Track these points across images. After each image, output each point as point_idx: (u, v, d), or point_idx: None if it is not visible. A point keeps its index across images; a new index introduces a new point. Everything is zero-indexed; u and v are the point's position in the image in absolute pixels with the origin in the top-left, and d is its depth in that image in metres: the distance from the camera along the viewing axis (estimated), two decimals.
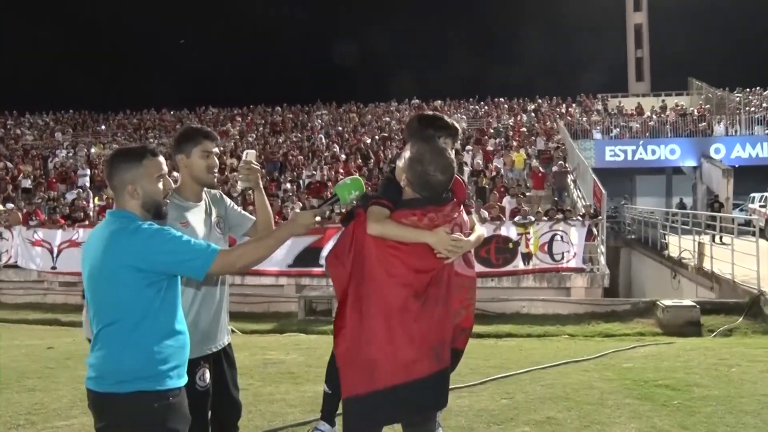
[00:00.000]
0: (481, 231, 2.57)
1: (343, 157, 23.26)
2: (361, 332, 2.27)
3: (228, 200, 2.93)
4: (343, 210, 2.62)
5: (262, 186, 2.86)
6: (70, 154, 26.57)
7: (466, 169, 20.72)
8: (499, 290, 13.08)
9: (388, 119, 31.03)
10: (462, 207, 2.50)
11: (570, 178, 19.29)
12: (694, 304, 9.39)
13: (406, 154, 2.34)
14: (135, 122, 33.69)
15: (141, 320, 2.11)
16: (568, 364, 6.21)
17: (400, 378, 2.24)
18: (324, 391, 2.92)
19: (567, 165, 20.06)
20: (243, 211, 2.99)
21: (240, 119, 32.30)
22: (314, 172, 21.16)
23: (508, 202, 16.37)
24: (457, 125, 2.83)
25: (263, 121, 31.79)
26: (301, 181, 20.37)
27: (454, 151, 2.51)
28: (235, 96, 36.96)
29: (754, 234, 14.07)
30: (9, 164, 24.58)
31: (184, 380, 2.20)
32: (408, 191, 2.37)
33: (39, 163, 24.99)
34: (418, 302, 2.27)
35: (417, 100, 34.93)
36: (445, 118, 2.80)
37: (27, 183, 22.08)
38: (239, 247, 2.24)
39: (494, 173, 20.10)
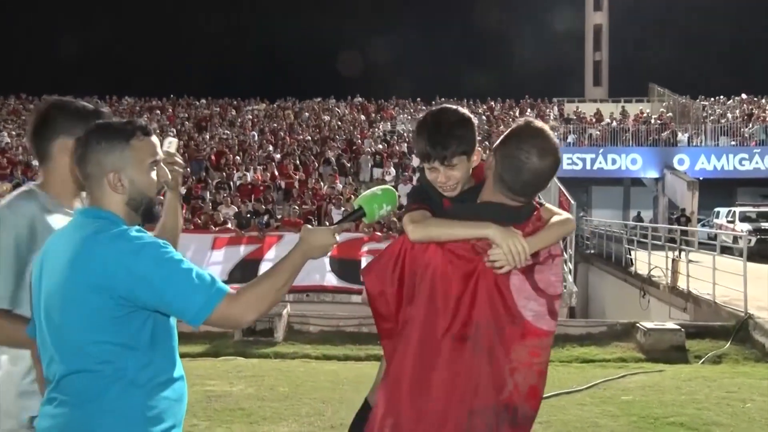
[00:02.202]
0: (566, 221, 1.95)
1: (278, 156, 22.70)
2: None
3: None
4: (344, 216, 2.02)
5: (180, 185, 2.36)
6: None
7: (413, 176, 20.62)
8: None
9: (327, 118, 30.65)
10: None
11: None
12: (678, 327, 9.38)
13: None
14: (31, 108, 31.95)
15: (123, 365, 1.65)
16: (560, 395, 5.99)
17: None
18: None
19: None
20: None
21: (160, 112, 31.15)
22: (246, 173, 20.49)
23: None
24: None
25: (187, 115, 30.76)
26: (231, 183, 19.66)
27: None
28: (154, 86, 35.75)
29: (721, 251, 14.59)
30: None
31: None
32: (487, 190, 1.93)
33: None
34: (466, 345, 1.81)
35: (360, 99, 34.73)
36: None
37: None
38: (249, 290, 1.72)
39: None
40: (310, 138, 25.64)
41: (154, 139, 1.83)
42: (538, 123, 1.90)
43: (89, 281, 1.62)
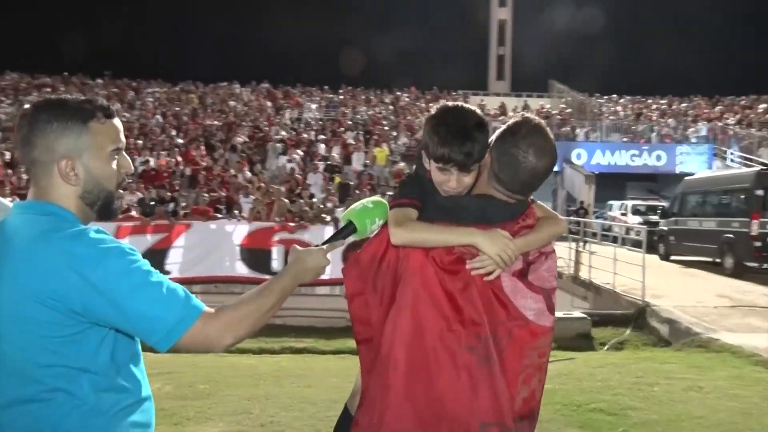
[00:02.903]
0: (557, 221, 1.95)
1: (180, 141, 21.90)
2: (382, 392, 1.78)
3: None
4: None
5: None
6: None
7: (321, 164, 20.49)
8: None
9: (233, 103, 29.89)
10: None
11: None
12: (584, 315, 9.85)
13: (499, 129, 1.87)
14: None
15: (80, 392, 1.40)
16: None
17: None
18: None
19: None
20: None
21: (51, 90, 29.29)
22: (149, 159, 19.64)
23: None
24: None
25: (80, 95, 29.05)
26: (133, 168, 18.78)
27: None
28: (42, 61, 33.47)
29: (614, 241, 15.44)
30: None
31: None
32: (481, 185, 1.87)
33: None
34: (467, 354, 1.74)
35: (267, 84, 34.10)
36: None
37: None
38: (230, 310, 1.48)
39: (362, 169, 20.12)
40: (217, 123, 24.87)
41: (117, 122, 1.57)
42: (536, 119, 1.87)
43: (35, 292, 1.35)
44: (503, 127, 1.88)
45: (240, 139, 22.71)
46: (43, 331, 1.37)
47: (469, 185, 1.86)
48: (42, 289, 1.35)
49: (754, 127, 28.62)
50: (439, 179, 1.86)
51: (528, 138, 1.80)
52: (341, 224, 1.80)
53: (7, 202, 2.14)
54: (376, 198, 1.84)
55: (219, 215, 13.90)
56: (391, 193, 17.28)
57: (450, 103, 1.89)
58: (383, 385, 1.77)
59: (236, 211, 14.10)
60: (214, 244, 13.06)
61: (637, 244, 14.70)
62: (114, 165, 1.55)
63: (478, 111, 1.88)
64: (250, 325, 1.49)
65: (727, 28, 50.46)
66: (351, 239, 1.80)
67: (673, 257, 16.44)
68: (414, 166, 2.05)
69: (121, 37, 48.44)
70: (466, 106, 1.90)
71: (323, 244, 1.74)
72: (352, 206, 1.81)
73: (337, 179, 19.24)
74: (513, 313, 1.80)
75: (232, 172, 17.98)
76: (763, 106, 32.33)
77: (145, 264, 1.43)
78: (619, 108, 32.49)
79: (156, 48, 46.89)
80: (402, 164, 20.79)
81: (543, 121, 1.88)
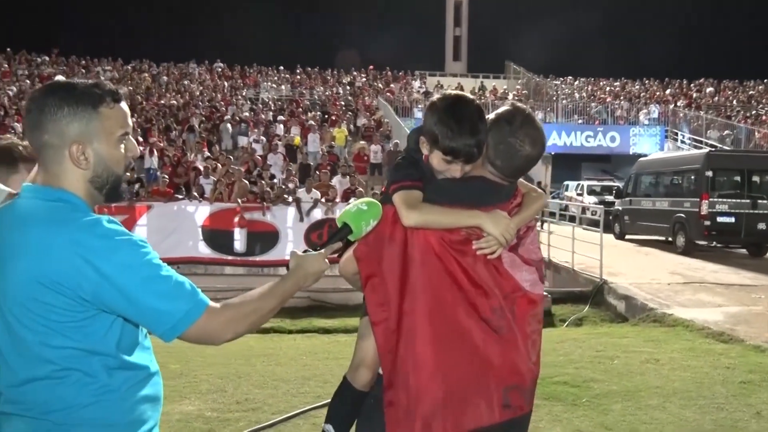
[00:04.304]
0: (540, 195, 2.10)
1: (134, 121, 21.47)
2: (405, 363, 1.89)
3: None
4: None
5: None
6: None
7: (280, 144, 20.40)
8: (338, 279, 12.98)
9: (187, 82, 29.41)
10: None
11: None
12: (545, 293, 10.13)
13: (490, 116, 1.98)
14: None
15: (91, 371, 1.46)
16: None
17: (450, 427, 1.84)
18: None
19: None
20: None
21: None
22: None
23: (339, 182, 16.32)
24: None
25: (27, 73, 28.20)
26: None
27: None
28: None
29: (571, 221, 15.85)
30: None
31: None
32: (476, 169, 1.95)
33: None
34: (486, 324, 1.88)
35: (221, 64, 33.60)
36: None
37: None
38: (233, 306, 1.54)
39: (327, 150, 20.08)
40: (174, 103, 24.42)
41: (125, 106, 1.58)
42: (527, 109, 2.01)
43: (47, 278, 1.39)
44: (495, 115, 1.99)
45: (197, 120, 22.40)
46: (52, 315, 1.41)
47: (468, 172, 1.95)
48: (53, 276, 1.39)
49: (702, 110, 29.57)
50: (442, 168, 1.93)
51: (524, 127, 1.93)
52: (337, 226, 1.85)
53: (3, 186, 2.15)
54: (369, 199, 1.90)
55: (180, 196, 13.77)
56: (366, 180, 17.21)
57: (454, 92, 1.97)
58: (413, 361, 1.86)
59: (195, 193, 13.97)
60: (176, 225, 12.99)
61: (593, 224, 15.12)
62: (122, 149, 1.57)
63: (476, 100, 1.97)
64: (250, 324, 1.55)
65: (680, 13, 51.74)
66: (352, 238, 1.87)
67: (627, 236, 16.93)
68: (406, 148, 2.13)
69: (72, 13, 46.94)
70: (468, 96, 1.99)
71: (320, 248, 1.76)
72: (347, 208, 1.86)
73: (300, 156, 19.23)
74: (515, 285, 1.94)
75: (190, 154, 17.75)
76: (710, 89, 33.40)
77: (155, 257, 1.47)
78: (573, 90, 33.10)
79: (107, 26, 45.63)
80: (363, 143, 20.84)
81: (530, 110, 2.03)
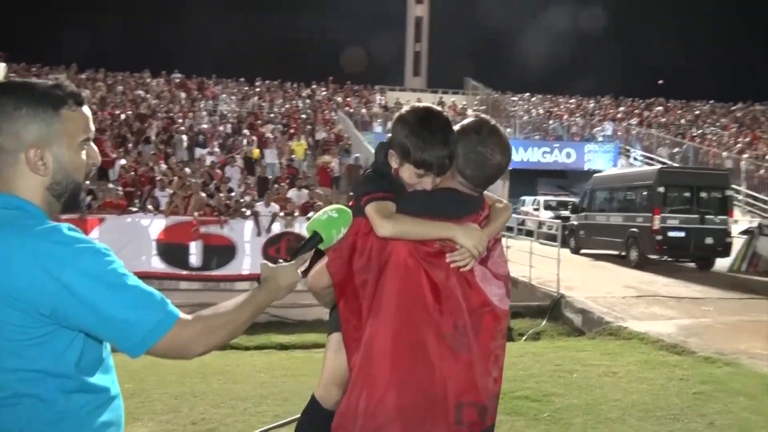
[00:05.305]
0: (506, 207, 2.12)
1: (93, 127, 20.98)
2: (365, 379, 1.84)
3: None
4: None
5: None
6: None
7: (238, 157, 20.19)
8: (296, 294, 12.81)
9: (142, 92, 28.88)
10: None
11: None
12: None
13: (456, 128, 1.95)
14: None
15: (46, 396, 1.35)
16: None
17: None
18: None
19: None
20: None
21: None
22: None
23: (296, 196, 16.17)
24: None
25: None
26: None
27: None
28: None
29: (528, 236, 16.04)
30: None
31: None
32: (445, 180, 1.95)
33: None
34: (445, 341, 1.84)
35: (179, 75, 33.14)
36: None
37: None
38: (204, 318, 1.44)
39: (287, 163, 19.93)
40: (130, 113, 23.93)
41: (87, 110, 1.48)
42: (491, 120, 2.01)
43: (1, 292, 1.28)
44: (461, 127, 1.98)
45: (154, 130, 21.99)
46: (6, 334, 1.30)
47: (438, 184, 1.95)
48: (7, 288, 1.28)
49: (653, 128, 30.39)
50: (413, 181, 1.92)
51: (492, 137, 1.94)
52: (307, 235, 1.79)
53: None
54: (338, 206, 1.85)
55: (134, 209, 13.46)
56: (331, 192, 17.08)
57: (423, 105, 1.99)
58: (370, 374, 1.84)
59: (149, 206, 13.67)
60: (129, 238, 12.65)
61: (550, 238, 15.30)
62: (83, 155, 1.47)
63: (444, 112, 1.97)
64: (222, 337, 1.46)
65: (632, 34, 53.20)
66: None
67: (583, 251, 17.21)
68: (374, 162, 2.10)
69: (23, 20, 45.82)
70: (437, 108, 1.99)
71: (291, 258, 1.69)
72: (316, 216, 1.80)
73: (259, 169, 19.04)
74: (484, 300, 1.92)
75: (149, 164, 17.39)
76: (659, 108, 34.38)
77: (121, 265, 1.36)
78: (530, 106, 33.66)
79: (61, 33, 44.64)
80: (327, 157, 20.71)
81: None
